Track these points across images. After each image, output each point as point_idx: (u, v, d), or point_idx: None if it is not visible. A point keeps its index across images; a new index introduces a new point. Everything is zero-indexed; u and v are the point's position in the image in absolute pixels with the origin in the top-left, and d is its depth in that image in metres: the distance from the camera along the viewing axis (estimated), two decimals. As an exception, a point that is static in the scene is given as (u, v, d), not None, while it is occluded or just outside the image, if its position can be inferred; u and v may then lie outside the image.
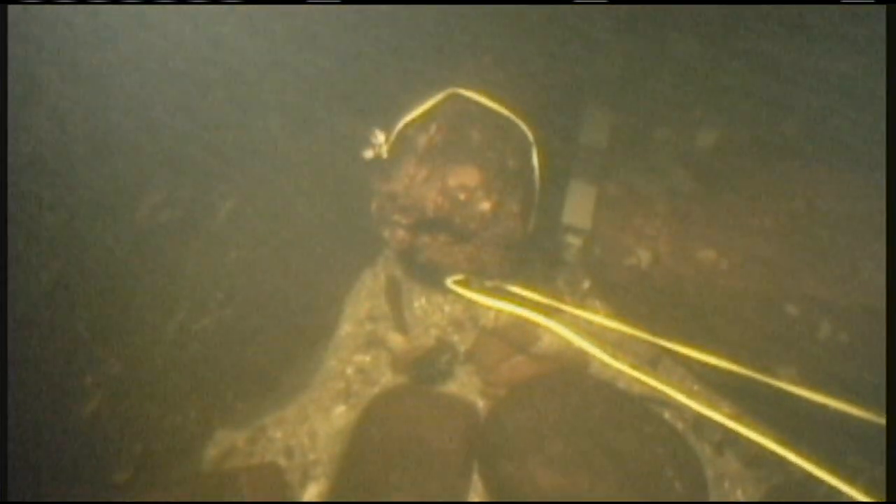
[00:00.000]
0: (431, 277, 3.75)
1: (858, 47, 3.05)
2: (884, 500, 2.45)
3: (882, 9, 2.68)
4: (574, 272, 3.89)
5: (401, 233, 3.41)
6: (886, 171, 2.64)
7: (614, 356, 3.02)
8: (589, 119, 3.98)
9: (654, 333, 3.21)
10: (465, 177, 3.16)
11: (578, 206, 3.74)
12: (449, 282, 3.50)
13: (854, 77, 3.13)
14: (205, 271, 3.33)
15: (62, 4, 2.69)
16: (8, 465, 2.53)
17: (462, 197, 3.16)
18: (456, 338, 3.80)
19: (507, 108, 3.33)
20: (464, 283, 3.49)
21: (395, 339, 3.70)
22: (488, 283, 3.51)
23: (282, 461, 3.45)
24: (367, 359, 3.78)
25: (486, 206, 3.17)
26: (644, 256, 3.41)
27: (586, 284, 3.87)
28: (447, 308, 3.89)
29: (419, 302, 3.91)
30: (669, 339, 3.16)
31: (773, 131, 3.75)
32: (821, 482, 2.60)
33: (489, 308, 3.72)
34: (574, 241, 3.84)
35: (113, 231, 3.10)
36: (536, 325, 3.34)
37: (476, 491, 3.27)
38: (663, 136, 4.07)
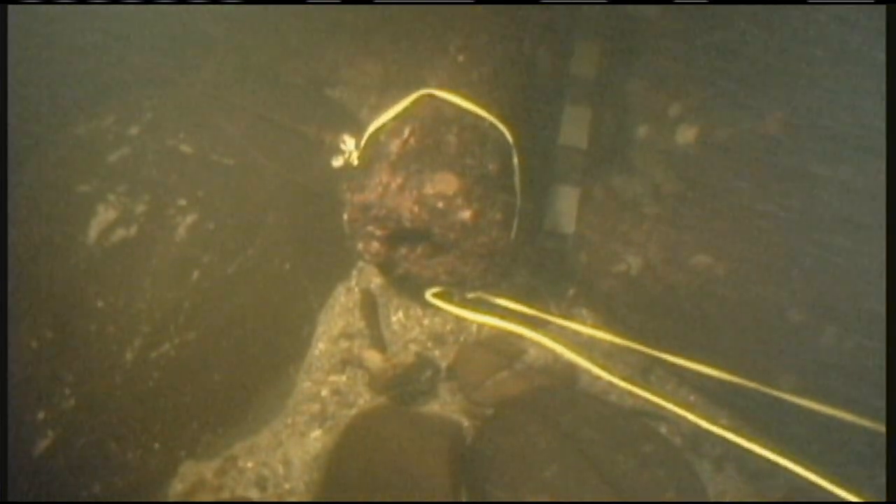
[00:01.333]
0: (409, 290, 3.56)
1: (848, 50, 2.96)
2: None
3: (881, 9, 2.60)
4: (559, 280, 3.72)
5: (376, 245, 3.21)
6: (886, 172, 2.54)
7: (605, 368, 2.88)
8: (567, 118, 3.81)
9: (647, 344, 3.06)
10: (442, 184, 2.97)
11: (561, 211, 3.57)
12: (428, 294, 3.31)
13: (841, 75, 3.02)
14: (164, 293, 3.10)
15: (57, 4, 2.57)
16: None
17: (440, 206, 2.97)
18: (437, 353, 3.60)
19: (484, 109, 3.14)
20: (444, 296, 3.32)
21: (373, 357, 3.50)
22: (470, 295, 3.33)
23: (254, 494, 3.23)
24: (343, 379, 3.57)
25: (466, 214, 2.98)
26: (634, 263, 3.25)
27: (571, 292, 3.71)
28: (426, 322, 3.70)
29: (397, 316, 3.71)
30: (663, 349, 3.02)
31: (755, 128, 3.63)
32: (825, 493, 2.48)
33: (471, 321, 3.54)
34: (558, 247, 3.67)
35: (62, 254, 2.91)
36: (522, 337, 3.20)
37: (466, 521, 3.08)
38: (643, 135, 3.93)
